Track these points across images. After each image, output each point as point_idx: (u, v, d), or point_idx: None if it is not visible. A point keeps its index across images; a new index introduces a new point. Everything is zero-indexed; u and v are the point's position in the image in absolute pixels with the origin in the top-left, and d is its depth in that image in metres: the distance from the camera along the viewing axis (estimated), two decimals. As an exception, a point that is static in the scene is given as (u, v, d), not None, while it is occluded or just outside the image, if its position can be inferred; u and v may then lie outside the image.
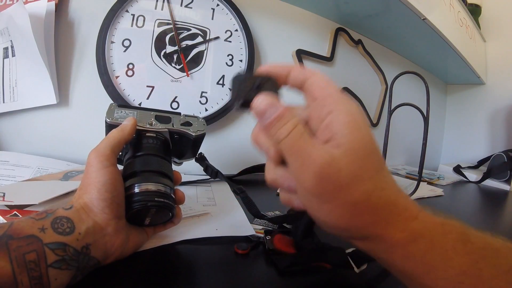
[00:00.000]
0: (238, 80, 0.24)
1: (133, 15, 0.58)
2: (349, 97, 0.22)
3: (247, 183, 0.59)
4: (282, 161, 0.22)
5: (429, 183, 0.83)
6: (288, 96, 0.25)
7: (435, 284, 0.19)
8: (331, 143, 0.19)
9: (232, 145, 0.70)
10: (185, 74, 0.62)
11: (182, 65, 0.61)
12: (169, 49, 0.60)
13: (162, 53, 0.60)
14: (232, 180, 0.56)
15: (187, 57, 0.62)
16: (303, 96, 0.23)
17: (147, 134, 0.33)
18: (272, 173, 0.23)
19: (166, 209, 0.28)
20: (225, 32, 0.66)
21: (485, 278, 0.18)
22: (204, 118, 0.60)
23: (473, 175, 0.97)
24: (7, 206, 0.30)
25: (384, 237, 0.20)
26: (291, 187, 0.22)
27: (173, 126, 0.35)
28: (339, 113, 0.20)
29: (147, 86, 0.59)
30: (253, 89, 0.22)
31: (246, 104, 0.22)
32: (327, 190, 0.19)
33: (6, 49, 0.52)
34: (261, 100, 0.21)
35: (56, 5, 0.53)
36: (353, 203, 0.19)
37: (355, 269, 0.28)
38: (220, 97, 0.65)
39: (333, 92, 0.21)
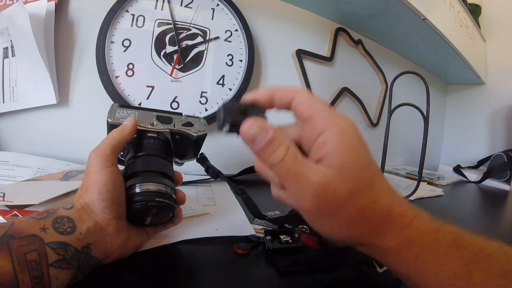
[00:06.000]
0: (225, 107, 0.23)
1: (133, 15, 0.57)
2: (337, 112, 0.22)
3: (247, 183, 0.59)
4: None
5: (429, 183, 0.83)
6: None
7: (428, 285, 0.21)
8: (323, 162, 0.20)
9: (233, 145, 0.70)
10: (185, 74, 0.62)
11: (182, 64, 0.61)
12: (169, 49, 0.60)
13: (162, 53, 0.60)
14: (232, 180, 0.56)
15: (187, 57, 0.62)
16: (292, 114, 0.23)
17: (148, 135, 0.33)
18: (276, 193, 0.26)
19: (166, 209, 0.28)
20: (225, 32, 0.66)
21: (476, 280, 0.19)
22: (204, 118, 0.60)
23: (473, 175, 0.97)
24: (7, 206, 0.30)
25: (378, 244, 0.21)
26: (293, 203, 0.23)
27: (174, 127, 0.35)
28: (330, 133, 0.20)
29: (147, 86, 0.59)
30: (240, 113, 0.22)
31: (233, 128, 0.22)
32: (325, 210, 0.20)
33: (6, 49, 0.52)
34: (249, 124, 0.21)
35: (56, 5, 0.53)
36: (349, 219, 0.21)
37: (378, 268, 0.29)
38: (220, 97, 0.65)
39: (321, 110, 0.21)
